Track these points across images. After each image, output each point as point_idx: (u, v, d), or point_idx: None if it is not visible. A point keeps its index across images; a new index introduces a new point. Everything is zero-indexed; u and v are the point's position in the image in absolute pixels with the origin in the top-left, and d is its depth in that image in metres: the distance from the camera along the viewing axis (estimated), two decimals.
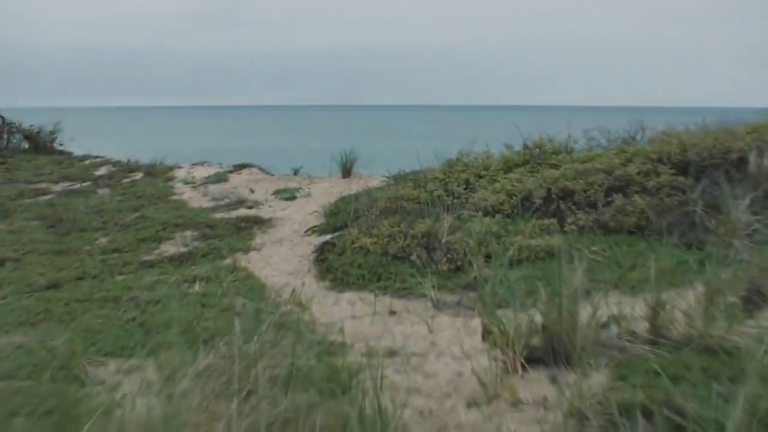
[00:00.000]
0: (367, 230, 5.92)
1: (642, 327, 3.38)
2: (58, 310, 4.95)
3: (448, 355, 3.63)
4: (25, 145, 16.32)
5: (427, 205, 6.39)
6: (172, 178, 10.87)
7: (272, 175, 10.87)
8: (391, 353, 3.66)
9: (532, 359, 3.12)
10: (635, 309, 3.76)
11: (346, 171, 9.88)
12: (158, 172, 11.34)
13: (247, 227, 7.18)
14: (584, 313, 3.21)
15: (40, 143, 16.16)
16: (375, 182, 8.81)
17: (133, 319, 4.56)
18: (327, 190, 8.87)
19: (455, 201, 6.62)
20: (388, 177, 8.44)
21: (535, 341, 3.15)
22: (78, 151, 16.23)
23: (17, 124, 16.63)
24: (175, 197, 9.28)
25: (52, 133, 16.34)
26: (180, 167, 11.88)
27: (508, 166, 7.37)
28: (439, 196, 6.91)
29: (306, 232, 6.92)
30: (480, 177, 7.21)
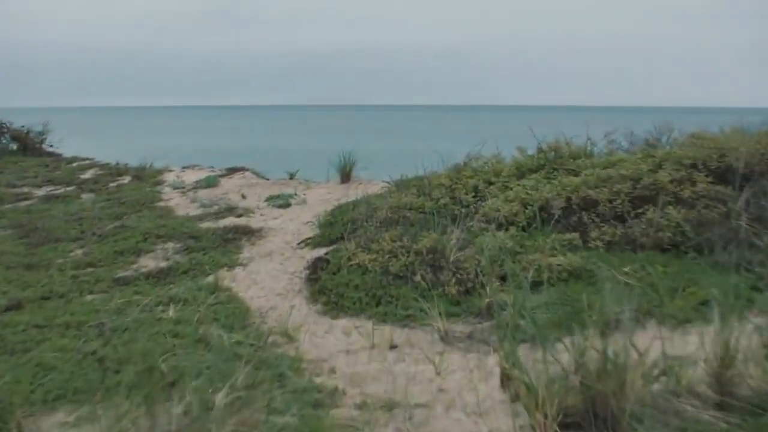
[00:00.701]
0: (366, 244, 5.29)
1: (698, 376, 2.75)
2: (13, 339, 4.33)
3: (460, 407, 3.00)
4: (14, 146, 15.73)
5: (433, 215, 5.77)
6: (160, 183, 10.26)
7: (267, 179, 10.24)
8: (391, 405, 3.02)
9: (568, 424, 2.48)
10: (685, 349, 3.14)
11: (345, 175, 9.25)
12: (147, 176, 10.73)
13: (235, 239, 6.55)
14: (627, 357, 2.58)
15: (28, 144, 15.57)
16: (375, 188, 8.17)
17: (93, 353, 3.93)
18: (324, 197, 8.24)
19: (463, 211, 5.99)
20: (389, 183, 7.81)
21: (571, 400, 2.52)
22: (69, 153, 15.67)
23: (7, 125, 16.05)
24: (162, 204, 8.65)
25: (41, 133, 15.75)
26: (170, 170, 11.28)
27: (521, 172, 6.73)
28: (445, 205, 6.28)
29: (299, 244, 6.29)
30: (490, 183, 6.57)
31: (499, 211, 5.60)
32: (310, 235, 6.42)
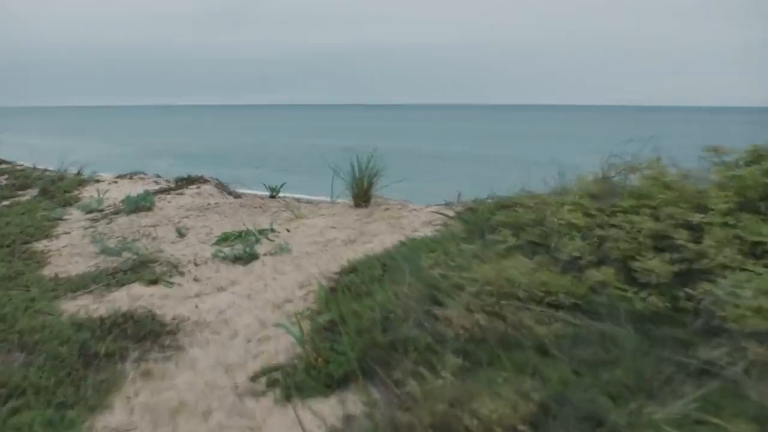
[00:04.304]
0: None
1: None
2: None
3: None
4: None
5: (601, 318, 2.11)
6: (72, 202, 6.64)
7: (238, 197, 6.57)
8: None
9: None
10: None
11: (361, 194, 5.53)
12: (59, 190, 7.14)
13: (113, 354, 2.88)
14: None
15: None
16: (416, 220, 4.49)
17: None
18: (322, 236, 4.56)
19: (662, 306, 2.34)
20: (447, 213, 4.11)
21: None
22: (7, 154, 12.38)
23: None
24: (41, 245, 5.01)
25: None
26: (98, 180, 7.68)
27: (746, 201, 3.03)
28: (604, 286, 2.61)
29: (253, 380, 2.62)
30: (688, 227, 2.89)
31: None
32: (277, 361, 2.71)
